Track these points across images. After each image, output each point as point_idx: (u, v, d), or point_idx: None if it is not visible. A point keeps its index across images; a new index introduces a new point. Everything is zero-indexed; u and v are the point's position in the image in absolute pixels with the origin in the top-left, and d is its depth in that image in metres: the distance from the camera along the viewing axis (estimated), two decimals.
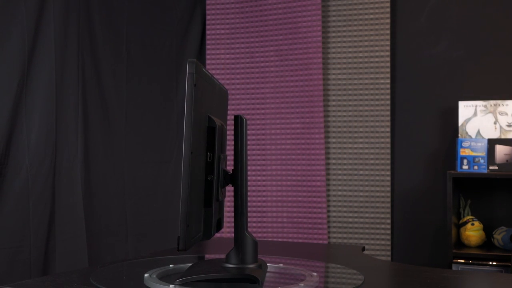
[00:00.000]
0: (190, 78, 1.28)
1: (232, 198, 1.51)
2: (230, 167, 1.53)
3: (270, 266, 1.64)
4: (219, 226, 1.52)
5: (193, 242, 1.32)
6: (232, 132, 1.53)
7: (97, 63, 3.13)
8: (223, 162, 1.48)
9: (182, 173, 1.25)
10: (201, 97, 1.35)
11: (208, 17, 3.69)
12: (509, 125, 3.08)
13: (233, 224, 1.51)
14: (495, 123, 3.10)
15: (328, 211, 3.51)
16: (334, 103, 3.54)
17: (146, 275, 1.47)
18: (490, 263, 2.96)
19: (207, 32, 3.69)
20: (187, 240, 1.25)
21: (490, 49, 3.34)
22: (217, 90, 1.56)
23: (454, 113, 3.25)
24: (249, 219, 3.28)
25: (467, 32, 3.39)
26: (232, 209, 1.52)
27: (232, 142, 1.52)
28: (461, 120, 3.14)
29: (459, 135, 3.14)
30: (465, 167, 3.03)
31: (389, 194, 3.43)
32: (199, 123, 1.33)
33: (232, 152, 1.52)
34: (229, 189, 1.55)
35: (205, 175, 1.39)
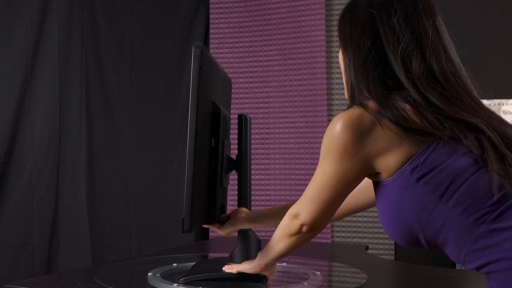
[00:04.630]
0: (196, 61, 1.27)
1: (235, 197, 1.51)
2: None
3: None
4: (222, 212, 1.52)
5: (197, 225, 1.31)
6: (235, 126, 1.52)
7: (100, 62, 3.13)
8: (227, 149, 1.48)
9: (186, 155, 1.24)
10: (206, 81, 1.34)
11: (211, 16, 3.69)
12: None
13: None
14: None
15: None
16: (337, 102, 3.53)
17: (149, 274, 1.47)
18: None
19: (211, 31, 3.69)
20: (192, 222, 1.24)
21: (494, 48, 3.32)
22: (221, 77, 1.55)
23: None
24: None
25: (467, 32, 3.37)
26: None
27: (236, 136, 1.52)
28: None
29: None
30: None
31: None
32: (204, 107, 1.32)
33: (236, 147, 1.51)
34: (232, 190, 1.55)
35: (209, 160, 1.38)
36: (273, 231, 1.28)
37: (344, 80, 1.20)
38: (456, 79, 1.12)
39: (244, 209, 1.50)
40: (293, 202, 1.24)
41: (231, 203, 1.62)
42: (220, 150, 1.40)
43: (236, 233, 1.50)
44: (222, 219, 1.50)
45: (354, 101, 1.15)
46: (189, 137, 1.24)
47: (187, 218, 1.23)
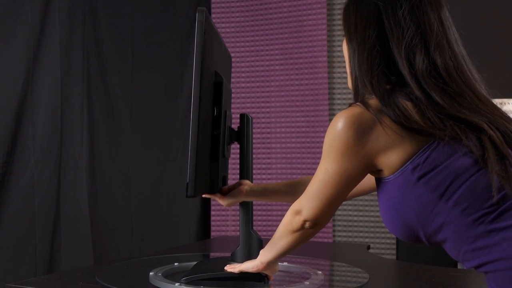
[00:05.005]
0: (200, 26, 1.28)
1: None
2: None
3: None
4: (224, 184, 1.52)
5: (201, 191, 1.31)
6: (237, 126, 1.52)
7: (102, 61, 3.13)
8: (228, 119, 1.48)
9: (190, 122, 1.24)
10: (209, 49, 1.33)
11: (213, 15, 3.69)
12: None
13: (238, 223, 1.51)
14: None
15: None
16: (339, 101, 3.53)
17: (151, 273, 1.47)
18: None
19: None
20: (196, 187, 1.24)
21: (495, 47, 3.32)
22: (223, 49, 1.55)
23: None
24: (254, 218, 3.25)
25: (469, 31, 3.36)
26: (237, 208, 1.52)
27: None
28: None
29: None
30: None
31: None
32: (207, 75, 1.31)
33: (237, 145, 1.51)
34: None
35: (211, 129, 1.38)
36: (276, 208, 1.28)
37: (347, 70, 1.20)
38: (459, 74, 1.11)
39: (248, 182, 1.50)
40: (296, 180, 1.23)
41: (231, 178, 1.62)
42: (222, 120, 1.40)
43: (238, 231, 1.50)
44: (224, 191, 1.50)
45: (357, 94, 1.15)
46: (193, 103, 1.24)
47: (191, 183, 1.23)
